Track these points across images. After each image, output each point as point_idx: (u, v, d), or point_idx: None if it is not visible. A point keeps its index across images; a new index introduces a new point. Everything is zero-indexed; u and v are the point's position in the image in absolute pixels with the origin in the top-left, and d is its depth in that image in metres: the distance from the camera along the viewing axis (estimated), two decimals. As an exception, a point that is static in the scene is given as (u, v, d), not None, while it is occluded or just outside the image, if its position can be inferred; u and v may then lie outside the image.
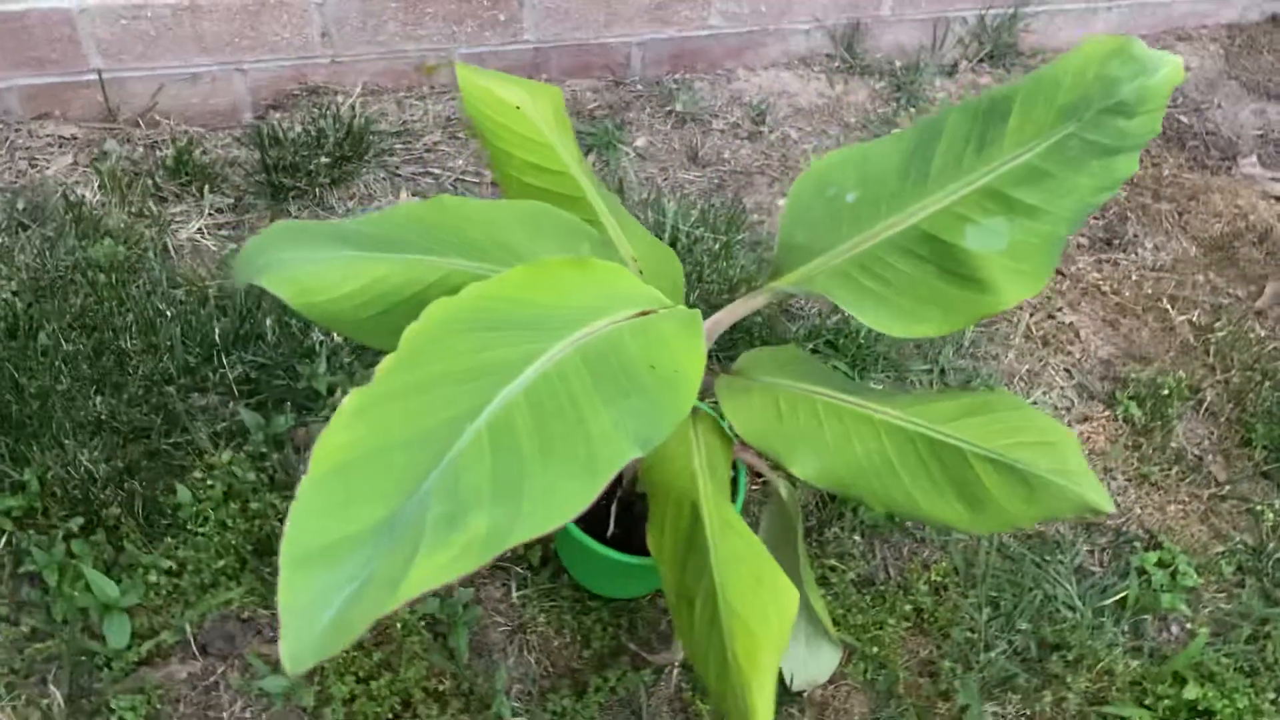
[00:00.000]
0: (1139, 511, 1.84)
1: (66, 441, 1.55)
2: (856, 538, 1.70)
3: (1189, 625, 1.69)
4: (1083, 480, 1.05)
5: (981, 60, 2.57)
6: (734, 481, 1.49)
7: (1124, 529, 1.80)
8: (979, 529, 1.07)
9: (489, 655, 1.52)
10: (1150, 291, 2.20)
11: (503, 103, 1.23)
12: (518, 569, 1.60)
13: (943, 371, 1.99)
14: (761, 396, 1.14)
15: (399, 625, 1.48)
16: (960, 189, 1.07)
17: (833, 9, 2.38)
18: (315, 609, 0.73)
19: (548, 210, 1.16)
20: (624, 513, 1.44)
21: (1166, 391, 1.96)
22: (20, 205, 1.87)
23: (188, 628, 1.46)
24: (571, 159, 1.25)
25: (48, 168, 1.97)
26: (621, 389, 0.90)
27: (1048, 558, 1.74)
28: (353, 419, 0.83)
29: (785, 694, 1.53)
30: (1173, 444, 1.94)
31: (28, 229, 1.84)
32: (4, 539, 1.49)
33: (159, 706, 1.40)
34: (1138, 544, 1.78)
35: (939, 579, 1.67)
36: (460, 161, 2.14)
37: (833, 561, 1.66)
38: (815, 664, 1.55)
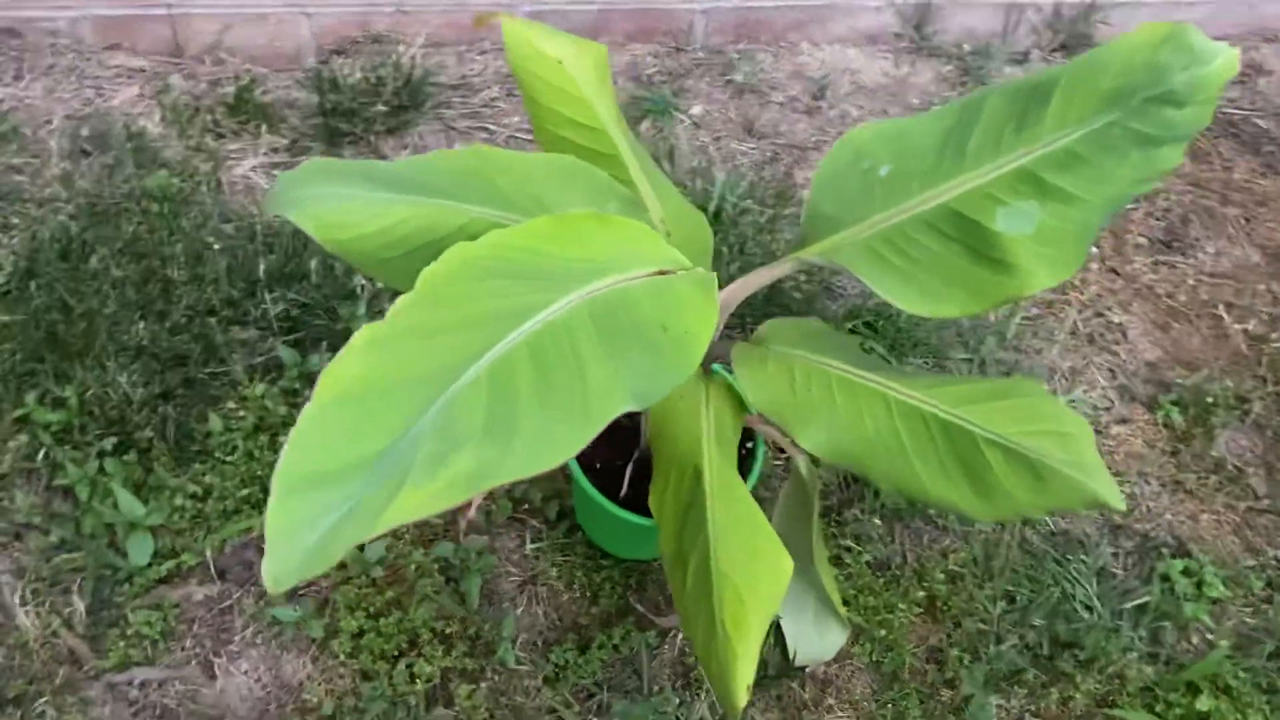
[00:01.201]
0: (1170, 518, 1.80)
1: (108, 363, 1.60)
2: (876, 521, 1.69)
3: (1210, 636, 1.66)
4: (1095, 474, 1.03)
5: (1055, 50, 2.51)
6: (754, 454, 1.49)
7: (1152, 534, 1.77)
8: (986, 516, 1.06)
9: (499, 603, 1.54)
10: (1206, 297, 2.15)
11: (545, 56, 1.23)
12: (534, 522, 1.62)
13: (983, 362, 1.96)
14: (777, 366, 1.14)
15: (413, 567, 1.51)
16: (994, 170, 1.05)
17: (903, -13, 2.34)
18: (300, 533, 0.75)
19: (579, 166, 1.16)
20: (640, 474, 1.45)
21: (1212, 399, 1.91)
22: (85, 132, 1.92)
23: (208, 551, 1.50)
24: (609, 117, 1.25)
25: (114, 97, 2.01)
26: (627, 344, 0.90)
27: (1070, 556, 1.71)
28: (361, 354, 0.85)
29: (788, 668, 1.53)
30: (1213, 453, 1.89)
31: (89, 155, 1.89)
32: (43, 452, 1.54)
33: (174, 624, 1.44)
34: (1165, 550, 1.75)
35: (957, 568, 1.65)
36: (516, 119, 2.15)
37: (849, 542, 1.66)
38: (822, 641, 1.55)
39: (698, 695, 1.50)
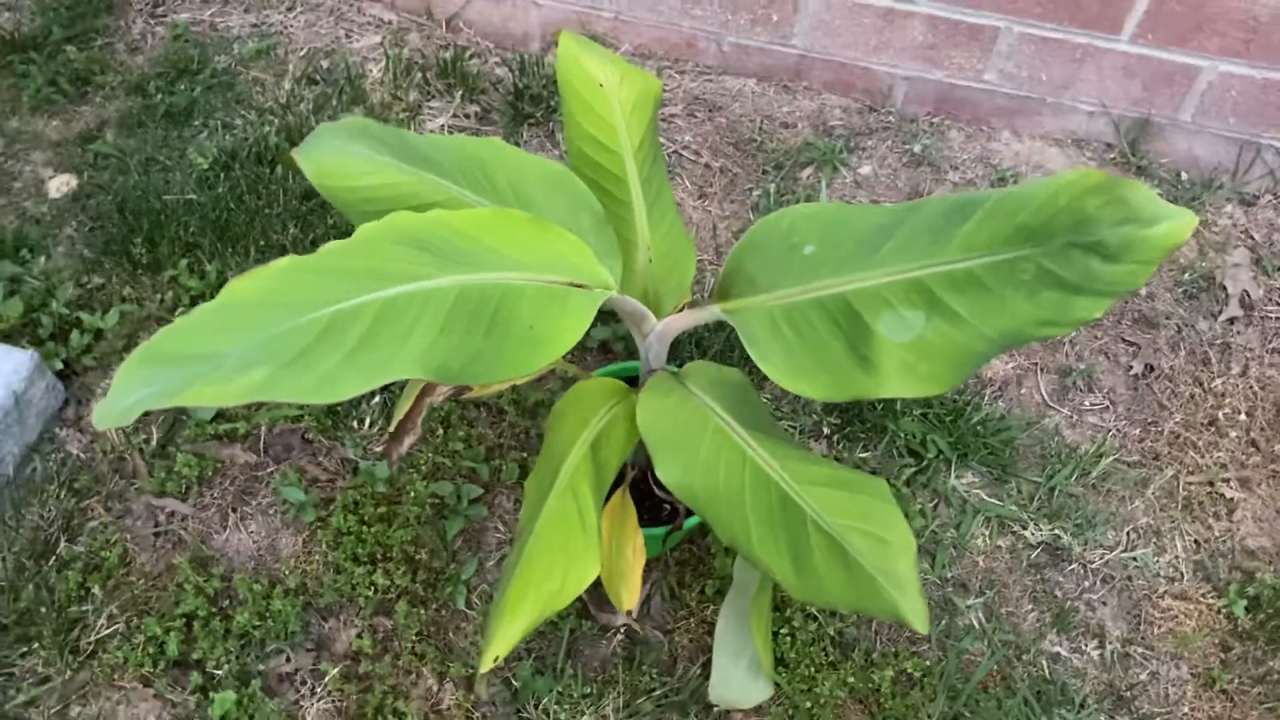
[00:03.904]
0: (1186, 711, 1.66)
1: (252, 252, 1.90)
2: (851, 599, 1.68)
3: (1163, 841, 1.54)
4: (904, 589, 1.03)
5: (1291, 199, 2.31)
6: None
7: None
8: (799, 593, 1.08)
9: (475, 552, 1.70)
10: (1356, 503, 1.92)
11: (588, 76, 1.36)
12: (535, 493, 1.76)
13: (1053, 490, 1.88)
14: (678, 400, 1.21)
15: (411, 494, 1.70)
16: (897, 273, 1.07)
17: (1123, 98, 2.24)
18: (128, 393, 0.94)
19: (566, 175, 1.29)
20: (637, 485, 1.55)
21: (1296, 607, 1.74)
22: (321, 64, 2.26)
23: (263, 427, 1.76)
24: (629, 144, 1.35)
25: (357, 40, 2.34)
26: (473, 329, 1.02)
27: (1053, 709, 1.63)
28: (272, 274, 1.02)
29: (707, 706, 1.58)
30: (1272, 662, 1.72)
31: (315, 85, 2.22)
32: (179, 310, 1.87)
33: (210, 475, 1.71)
34: (1162, 740, 1.63)
35: (915, 672, 1.63)
36: (689, 137, 2.28)
37: (816, 610, 1.67)
38: (746, 689, 1.58)
39: (609, 691, 1.58)
